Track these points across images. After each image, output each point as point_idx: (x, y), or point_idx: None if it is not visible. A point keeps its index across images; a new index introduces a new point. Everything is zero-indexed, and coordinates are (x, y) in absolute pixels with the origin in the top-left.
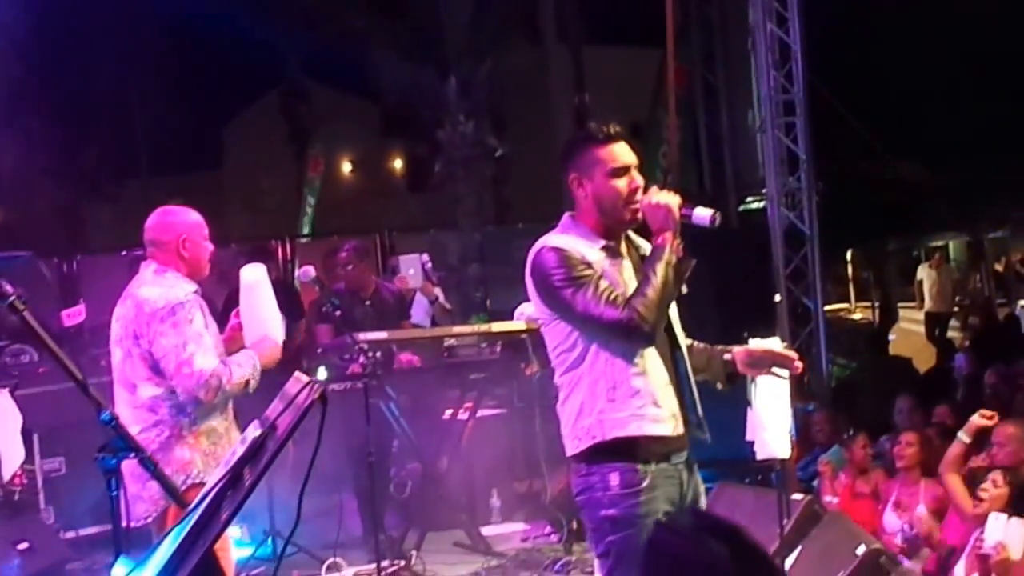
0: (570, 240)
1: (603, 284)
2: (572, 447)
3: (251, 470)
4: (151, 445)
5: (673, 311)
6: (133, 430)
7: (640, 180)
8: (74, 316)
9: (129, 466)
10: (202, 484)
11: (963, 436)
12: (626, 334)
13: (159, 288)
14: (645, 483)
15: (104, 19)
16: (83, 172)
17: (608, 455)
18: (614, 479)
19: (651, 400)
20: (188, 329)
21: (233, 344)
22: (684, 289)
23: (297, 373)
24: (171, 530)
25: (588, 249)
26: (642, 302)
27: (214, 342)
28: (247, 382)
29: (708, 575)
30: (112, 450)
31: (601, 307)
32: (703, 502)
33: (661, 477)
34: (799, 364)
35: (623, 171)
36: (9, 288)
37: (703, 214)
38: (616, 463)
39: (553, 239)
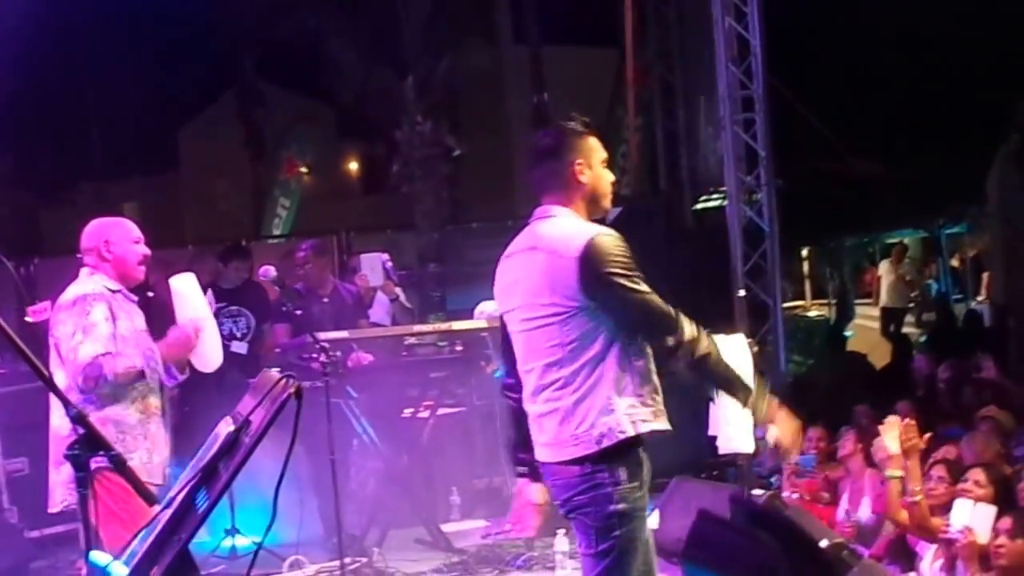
0: (617, 238)
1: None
2: (588, 445)
3: (226, 464)
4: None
5: None
6: (54, 417)
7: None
8: (39, 312)
9: (51, 453)
10: (108, 470)
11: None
12: (668, 333)
13: (77, 286)
14: (644, 476)
15: (59, 23)
16: (39, 176)
17: (620, 452)
18: (623, 474)
19: (662, 397)
20: (83, 319)
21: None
22: None
23: (267, 369)
24: (146, 526)
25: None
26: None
27: (121, 336)
28: (140, 372)
29: (759, 571)
30: (83, 446)
31: (662, 308)
32: None
33: (647, 470)
34: None
35: (606, 163)
36: None
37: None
38: (625, 459)
39: (596, 228)
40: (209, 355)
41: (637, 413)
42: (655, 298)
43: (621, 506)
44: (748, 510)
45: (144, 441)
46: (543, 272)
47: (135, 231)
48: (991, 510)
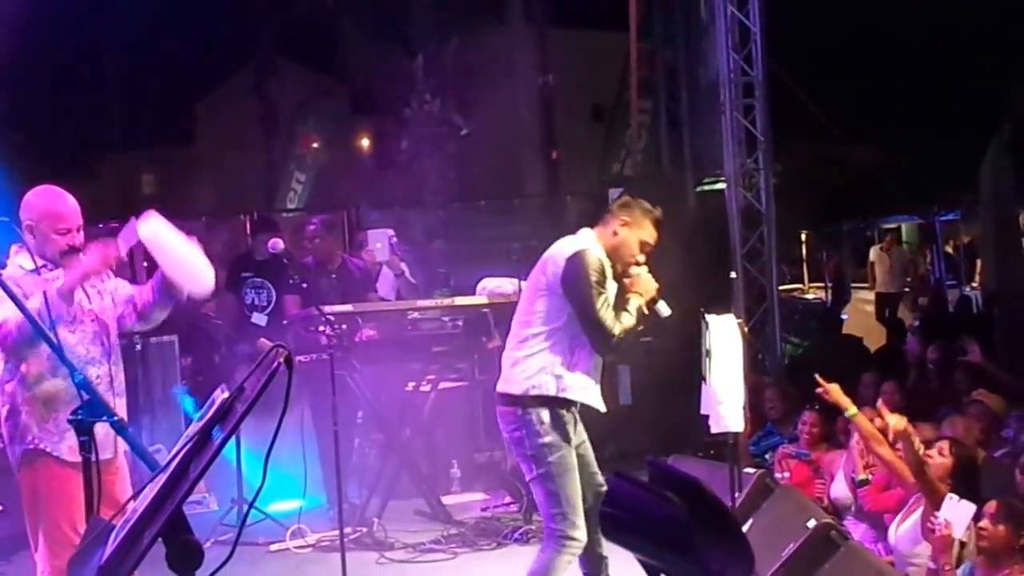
0: (602, 255)
1: (609, 305)
2: (518, 387)
3: (219, 430)
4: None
5: None
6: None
7: (643, 258)
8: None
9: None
10: (40, 450)
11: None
12: (601, 344)
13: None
14: (566, 418)
15: None
16: (59, 147)
17: (546, 401)
18: (545, 415)
19: (592, 383)
20: None
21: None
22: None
23: (263, 339)
24: (142, 488)
25: (608, 269)
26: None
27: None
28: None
29: (666, 527)
30: (87, 411)
31: (603, 323)
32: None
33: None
34: None
35: (646, 247)
36: None
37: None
38: (549, 406)
39: (593, 246)
40: (200, 275)
41: (563, 382)
42: (603, 314)
43: (548, 439)
44: (661, 473)
45: None
46: (546, 259)
47: (64, 220)
48: (970, 508)
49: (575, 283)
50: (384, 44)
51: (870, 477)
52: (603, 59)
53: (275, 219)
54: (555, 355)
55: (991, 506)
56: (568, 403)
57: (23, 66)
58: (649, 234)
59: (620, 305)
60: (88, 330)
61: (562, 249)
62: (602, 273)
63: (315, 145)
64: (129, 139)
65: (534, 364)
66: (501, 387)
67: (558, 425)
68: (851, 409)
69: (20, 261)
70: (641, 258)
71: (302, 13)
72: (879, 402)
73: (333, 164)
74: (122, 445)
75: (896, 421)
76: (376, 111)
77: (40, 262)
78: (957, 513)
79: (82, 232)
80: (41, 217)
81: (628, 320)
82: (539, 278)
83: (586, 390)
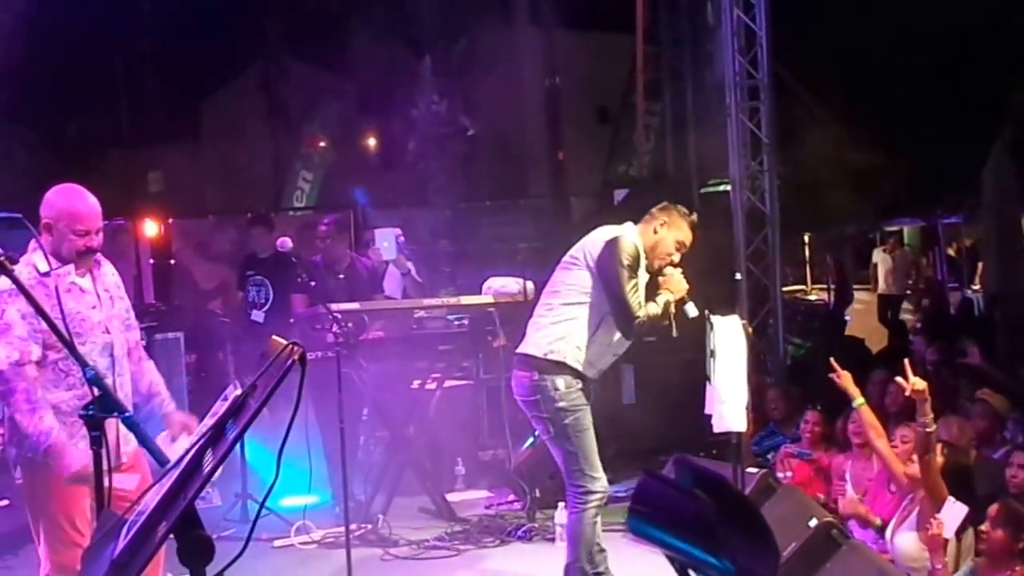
0: (640, 245)
1: (637, 289)
2: (538, 350)
3: (232, 426)
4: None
5: None
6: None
7: (677, 258)
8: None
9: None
10: (37, 460)
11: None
12: (624, 319)
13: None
14: (579, 385)
15: None
16: (66, 143)
17: (560, 368)
18: (560, 382)
19: (599, 365)
20: None
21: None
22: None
23: (274, 336)
24: (154, 483)
25: (642, 259)
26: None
27: (32, 336)
28: (25, 429)
29: (694, 524)
30: (98, 407)
31: (629, 302)
32: None
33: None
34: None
35: (681, 247)
36: None
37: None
38: (563, 374)
39: (633, 235)
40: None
41: (579, 355)
42: (629, 294)
43: (563, 403)
44: (690, 471)
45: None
46: (586, 241)
47: (82, 221)
48: (963, 509)
49: (608, 263)
50: (392, 44)
51: (880, 521)
52: (609, 61)
53: (269, 215)
54: (579, 328)
55: (992, 509)
56: (581, 375)
57: (29, 63)
58: (685, 235)
59: (651, 299)
60: (97, 342)
61: (603, 234)
62: (635, 259)
63: (322, 144)
64: (135, 137)
65: (557, 331)
66: (521, 349)
67: (572, 391)
68: (858, 399)
69: (35, 260)
70: (676, 257)
71: (310, 12)
72: (905, 360)
73: (341, 163)
74: (124, 453)
75: (917, 381)
76: (383, 111)
77: (55, 264)
78: (950, 514)
79: (101, 234)
80: (60, 216)
81: (653, 308)
82: (576, 255)
83: (591, 365)
